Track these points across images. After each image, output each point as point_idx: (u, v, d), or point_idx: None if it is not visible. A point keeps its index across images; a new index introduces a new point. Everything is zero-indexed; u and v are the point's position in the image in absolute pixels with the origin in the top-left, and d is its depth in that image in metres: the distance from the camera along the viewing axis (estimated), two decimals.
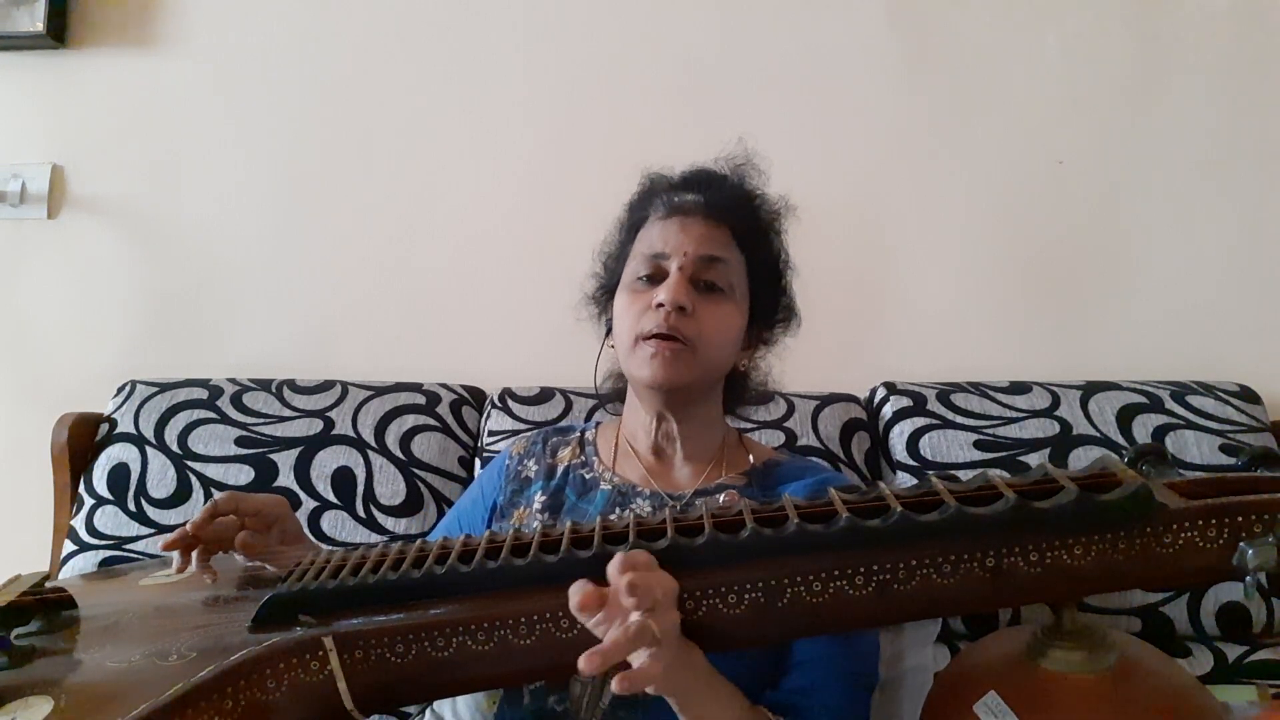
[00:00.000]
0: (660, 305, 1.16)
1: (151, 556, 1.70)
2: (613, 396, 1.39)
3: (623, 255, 1.30)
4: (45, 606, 1.03)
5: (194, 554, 1.11)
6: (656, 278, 1.20)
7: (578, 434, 1.39)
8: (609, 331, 1.33)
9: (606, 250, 1.36)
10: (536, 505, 1.28)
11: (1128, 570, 0.78)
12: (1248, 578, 0.75)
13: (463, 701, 1.41)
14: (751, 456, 1.30)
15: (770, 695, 1.06)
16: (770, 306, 1.31)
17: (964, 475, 0.91)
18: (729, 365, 1.27)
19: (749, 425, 1.73)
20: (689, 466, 1.27)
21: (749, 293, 1.25)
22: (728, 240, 1.22)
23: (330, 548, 1.20)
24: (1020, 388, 1.77)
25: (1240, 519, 0.77)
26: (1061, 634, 0.83)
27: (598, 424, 1.42)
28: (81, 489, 1.82)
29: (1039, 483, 0.84)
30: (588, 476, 1.30)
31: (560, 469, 1.33)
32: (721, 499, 1.17)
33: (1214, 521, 0.77)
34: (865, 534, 0.81)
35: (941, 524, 0.80)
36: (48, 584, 1.07)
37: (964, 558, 0.80)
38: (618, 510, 1.23)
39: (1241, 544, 0.76)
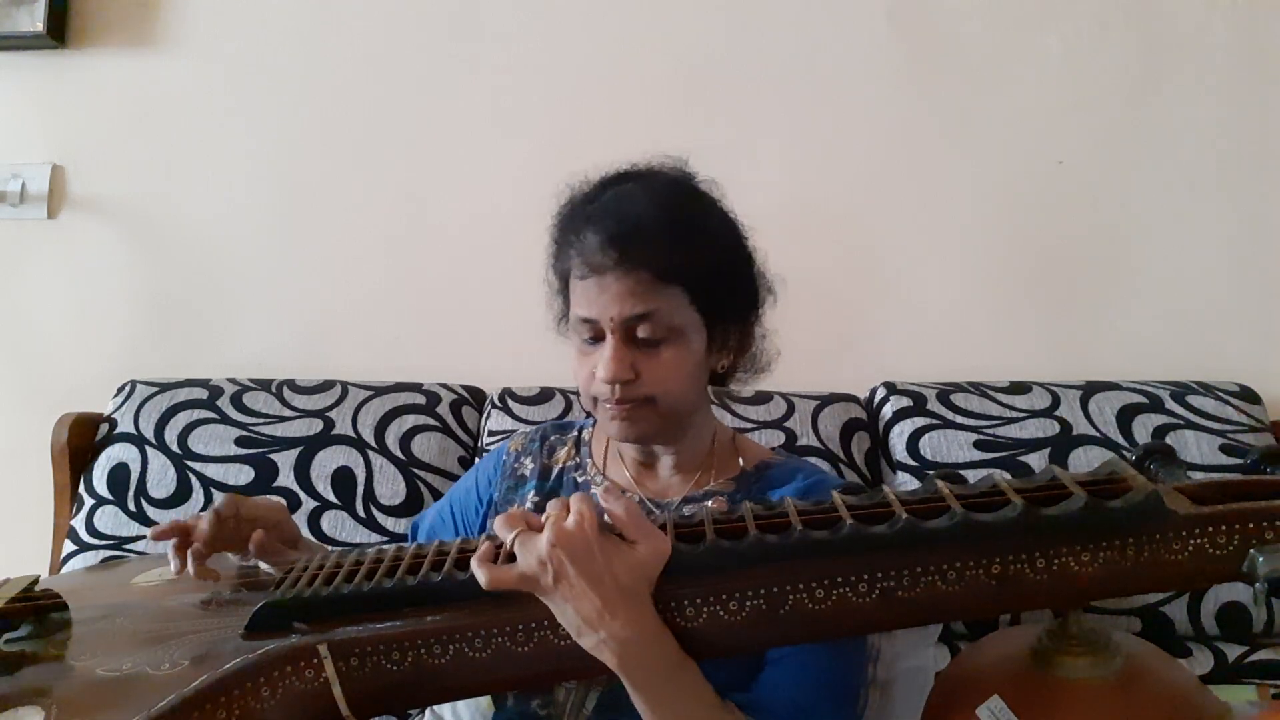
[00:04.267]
0: (601, 380, 1.11)
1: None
2: None
3: (566, 295, 1.20)
4: (35, 611, 1.02)
5: (190, 554, 1.09)
6: (595, 338, 1.13)
7: (575, 433, 1.36)
8: None
9: (549, 278, 1.25)
10: (529, 505, 1.26)
11: (1136, 576, 0.77)
12: (1257, 584, 0.74)
13: (463, 703, 1.41)
14: (742, 460, 1.26)
15: (737, 695, 1.01)
16: (731, 306, 1.19)
17: (965, 475, 0.90)
18: (699, 392, 1.20)
19: (749, 425, 1.73)
20: (677, 474, 1.24)
21: (698, 313, 1.14)
22: (650, 285, 1.09)
23: (329, 548, 1.19)
24: (1020, 388, 1.77)
25: (1251, 525, 0.76)
26: (1067, 639, 0.82)
27: (595, 421, 1.37)
28: (81, 489, 1.82)
29: (1045, 487, 0.83)
30: (580, 480, 1.28)
31: (555, 470, 1.31)
32: (710, 505, 1.15)
33: (1224, 528, 0.76)
34: (869, 541, 0.81)
35: (947, 531, 0.79)
36: (38, 585, 1.06)
37: (969, 564, 0.79)
38: (605, 517, 1.21)
39: (1252, 550, 0.75)
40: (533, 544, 0.85)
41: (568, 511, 0.87)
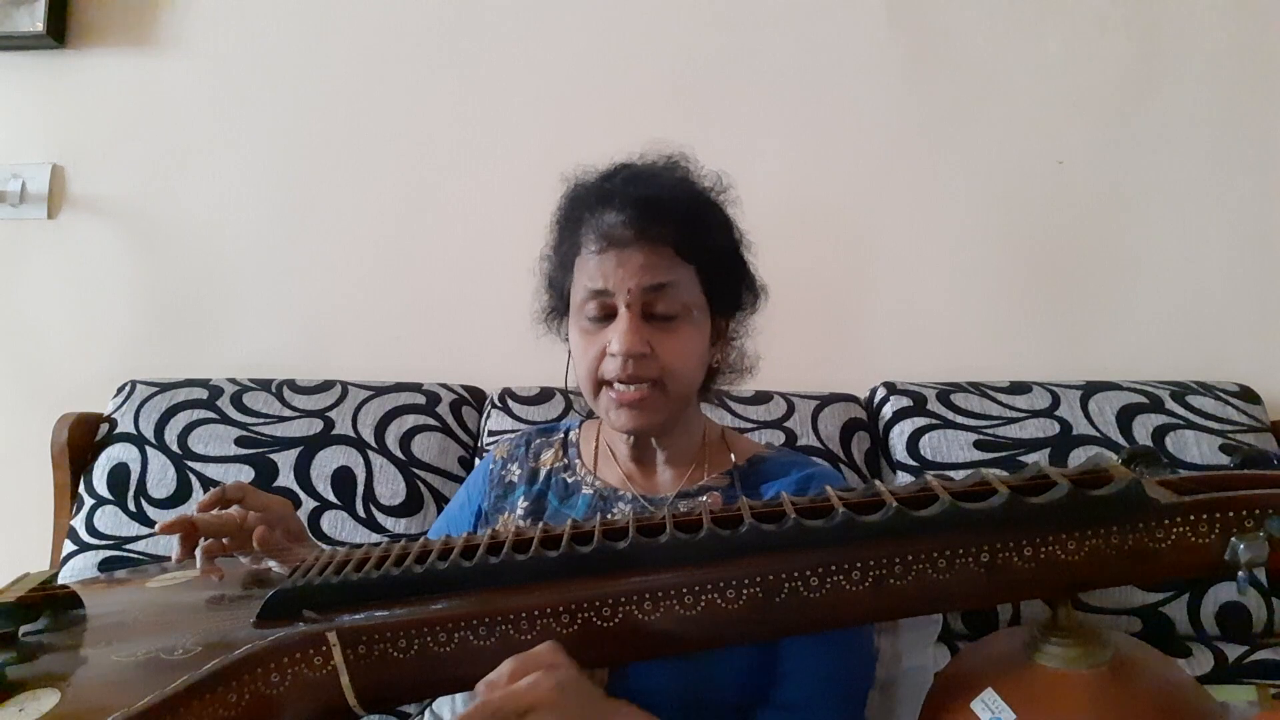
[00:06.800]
0: (615, 354, 1.11)
1: (154, 558, 1.71)
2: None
3: (564, 280, 1.21)
4: (53, 604, 1.03)
5: (200, 550, 1.09)
6: (605, 315, 1.13)
7: (561, 434, 1.36)
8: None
9: (546, 269, 1.26)
10: (519, 511, 1.26)
11: (1121, 565, 0.79)
12: (1240, 573, 0.76)
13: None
14: (733, 454, 1.26)
15: (761, 713, 1.04)
16: (731, 297, 1.22)
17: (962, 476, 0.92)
18: (698, 382, 1.21)
19: (749, 425, 1.73)
20: (670, 470, 1.24)
21: (705, 297, 1.16)
22: (670, 260, 1.11)
23: (333, 548, 1.20)
24: (1020, 388, 1.76)
25: (1231, 514, 0.77)
26: (1057, 630, 0.83)
27: (581, 422, 1.39)
28: (81, 489, 1.82)
29: (1033, 479, 0.84)
30: (570, 480, 1.28)
31: (543, 473, 1.30)
32: (705, 500, 1.15)
33: (1205, 516, 0.78)
34: (862, 529, 0.82)
35: (937, 519, 0.81)
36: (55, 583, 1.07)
37: (959, 553, 0.80)
38: (598, 515, 1.21)
39: (1233, 539, 0.76)
40: None
41: None
